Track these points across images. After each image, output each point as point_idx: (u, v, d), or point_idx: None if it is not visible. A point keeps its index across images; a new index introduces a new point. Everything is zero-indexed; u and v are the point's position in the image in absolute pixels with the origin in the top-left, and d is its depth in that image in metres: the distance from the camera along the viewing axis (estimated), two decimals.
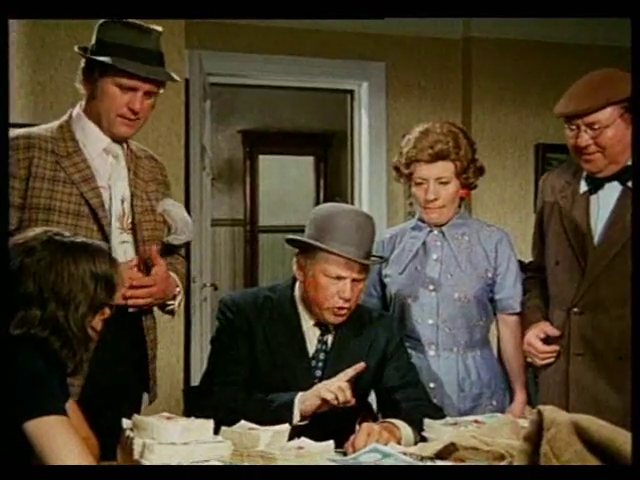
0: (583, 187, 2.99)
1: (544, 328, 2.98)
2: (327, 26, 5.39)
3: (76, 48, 2.82)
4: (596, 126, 2.85)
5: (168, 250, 2.91)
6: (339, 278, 2.71)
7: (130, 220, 2.78)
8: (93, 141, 2.76)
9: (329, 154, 8.53)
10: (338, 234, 2.70)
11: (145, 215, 2.82)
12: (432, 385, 3.08)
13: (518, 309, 3.17)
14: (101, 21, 2.74)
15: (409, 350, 3.04)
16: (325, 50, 5.50)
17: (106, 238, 2.66)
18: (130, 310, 2.73)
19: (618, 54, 4.60)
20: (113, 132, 2.76)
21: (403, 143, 3.18)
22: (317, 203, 8.50)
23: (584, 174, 2.98)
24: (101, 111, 2.73)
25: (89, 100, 2.76)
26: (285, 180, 8.65)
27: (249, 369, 2.77)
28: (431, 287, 3.13)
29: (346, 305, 2.73)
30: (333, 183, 8.46)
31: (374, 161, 5.62)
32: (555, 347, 2.97)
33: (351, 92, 5.80)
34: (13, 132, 2.69)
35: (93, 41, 2.74)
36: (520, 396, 3.17)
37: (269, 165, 8.53)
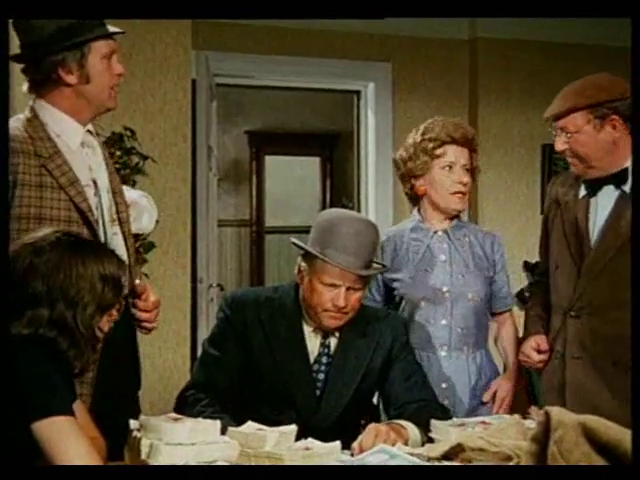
0: (582, 191, 3.02)
1: (538, 341, 3.06)
2: (333, 27, 5.39)
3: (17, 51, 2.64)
4: (566, 132, 2.94)
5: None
6: (334, 286, 2.70)
7: (114, 211, 2.72)
8: (71, 134, 2.63)
9: (335, 155, 8.53)
10: (336, 242, 2.68)
11: (126, 210, 2.78)
12: (444, 386, 3.09)
13: (513, 305, 3.32)
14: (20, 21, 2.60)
15: (419, 351, 3.04)
16: (331, 51, 5.50)
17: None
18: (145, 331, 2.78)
19: (624, 54, 4.60)
20: (109, 106, 2.67)
21: (421, 131, 3.18)
22: (323, 204, 8.51)
23: (583, 178, 3.01)
24: (94, 92, 2.61)
25: (74, 89, 2.60)
26: (291, 181, 8.65)
27: (244, 372, 2.75)
28: (445, 289, 3.13)
29: (339, 314, 2.72)
30: (339, 184, 8.45)
31: (380, 161, 5.61)
32: (547, 353, 3.04)
33: (357, 93, 5.79)
34: None
35: (45, 34, 2.56)
36: (506, 381, 3.20)
37: (275, 166, 8.53)
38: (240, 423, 2.42)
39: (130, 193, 2.92)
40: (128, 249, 2.74)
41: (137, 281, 2.78)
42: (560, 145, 2.97)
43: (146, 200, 3.01)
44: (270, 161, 8.51)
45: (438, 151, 3.14)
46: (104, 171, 2.72)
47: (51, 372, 2.08)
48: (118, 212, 2.73)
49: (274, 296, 2.84)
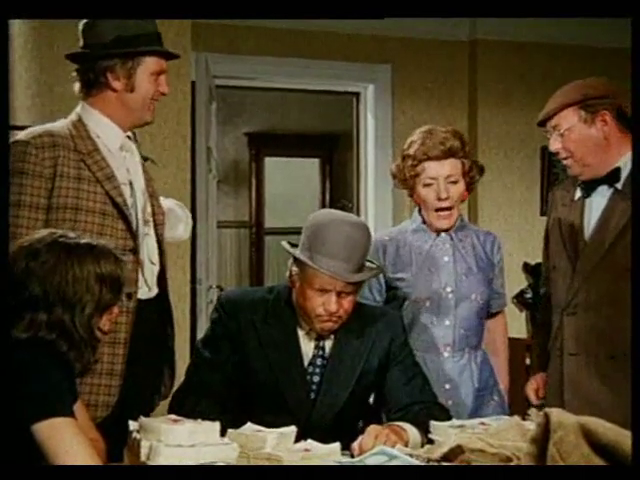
0: (578, 193, 3.05)
1: (539, 381, 3.17)
2: (333, 28, 5.40)
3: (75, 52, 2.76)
4: (560, 130, 2.97)
5: None
6: (324, 291, 2.65)
7: (150, 212, 2.80)
8: (111, 137, 2.74)
9: (335, 156, 8.54)
10: (326, 247, 2.63)
11: (162, 214, 2.86)
12: (447, 386, 3.10)
13: (506, 305, 3.37)
14: (92, 21, 2.70)
15: (422, 353, 3.03)
16: (331, 52, 5.50)
17: (133, 237, 2.67)
18: None
19: (624, 56, 4.60)
20: (146, 119, 2.79)
21: (406, 146, 3.17)
22: (323, 205, 8.51)
23: (579, 181, 3.04)
24: (136, 102, 2.73)
25: (118, 96, 2.72)
26: (291, 182, 8.66)
27: (238, 374, 2.74)
28: (449, 289, 3.13)
29: (332, 318, 2.68)
30: (339, 185, 8.46)
31: (380, 163, 5.61)
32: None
33: (357, 94, 5.80)
34: (33, 130, 2.67)
35: (106, 39, 2.68)
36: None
37: (275, 167, 8.54)
38: (235, 425, 2.41)
39: (166, 202, 2.99)
40: (162, 251, 2.82)
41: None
42: (554, 145, 2.99)
43: (181, 209, 3.05)
44: (270, 163, 8.51)
45: (417, 169, 3.11)
46: (141, 174, 2.81)
47: (51, 374, 2.08)
48: (154, 214, 2.82)
49: (268, 297, 2.82)
